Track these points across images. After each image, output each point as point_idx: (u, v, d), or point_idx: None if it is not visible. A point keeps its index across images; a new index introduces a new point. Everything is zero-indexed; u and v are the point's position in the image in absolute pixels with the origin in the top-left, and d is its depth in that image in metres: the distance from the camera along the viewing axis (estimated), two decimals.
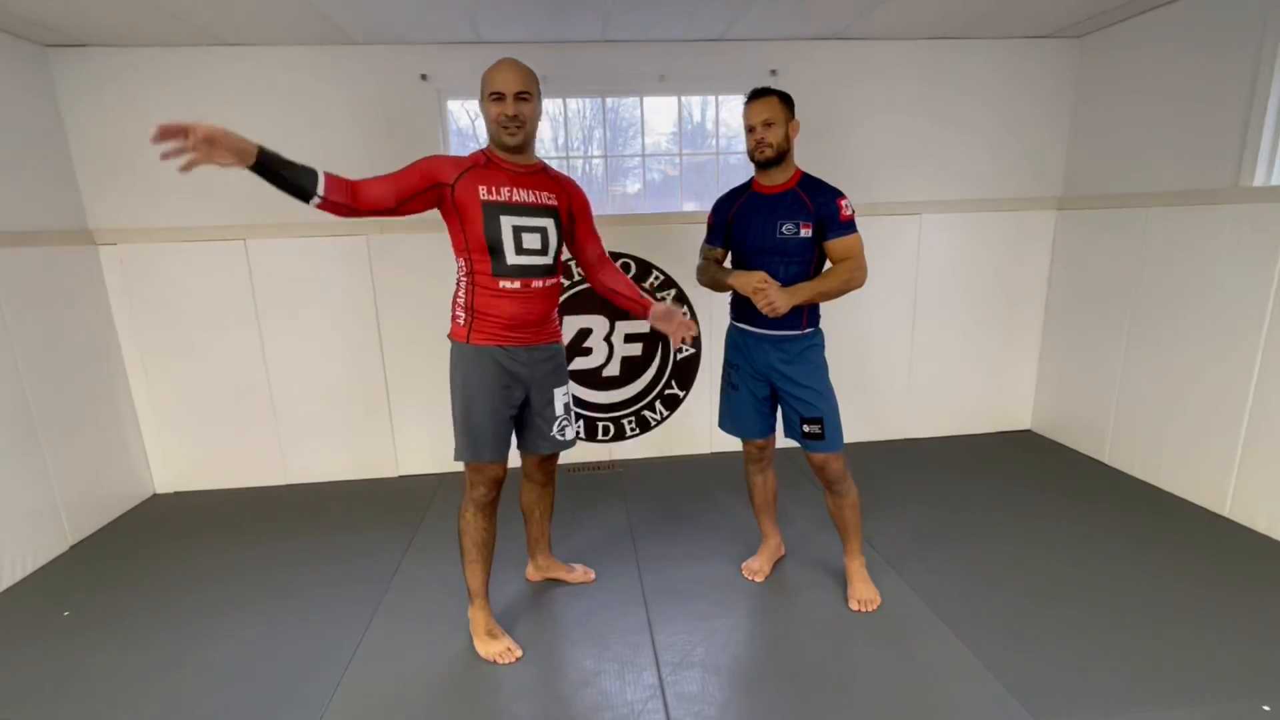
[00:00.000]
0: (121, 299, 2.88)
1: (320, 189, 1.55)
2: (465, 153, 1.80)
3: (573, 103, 3.18)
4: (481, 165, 1.73)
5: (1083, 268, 3.17)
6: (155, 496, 3.07)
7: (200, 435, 3.05)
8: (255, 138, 3.01)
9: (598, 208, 3.33)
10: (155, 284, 2.88)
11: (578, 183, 1.95)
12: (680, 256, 3.13)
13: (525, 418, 1.91)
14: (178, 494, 3.08)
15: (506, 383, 1.80)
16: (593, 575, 2.24)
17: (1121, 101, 2.94)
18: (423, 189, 1.68)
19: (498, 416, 1.80)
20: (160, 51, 2.70)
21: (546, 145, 3.22)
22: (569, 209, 1.87)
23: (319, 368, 3.06)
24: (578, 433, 2.35)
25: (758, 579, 2.21)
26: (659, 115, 3.25)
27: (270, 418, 3.07)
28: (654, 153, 3.30)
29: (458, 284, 1.80)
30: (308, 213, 2.88)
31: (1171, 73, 2.69)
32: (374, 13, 2.50)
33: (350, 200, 1.60)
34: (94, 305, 2.81)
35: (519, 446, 1.97)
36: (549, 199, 1.80)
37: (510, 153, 1.75)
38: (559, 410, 1.94)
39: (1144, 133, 2.84)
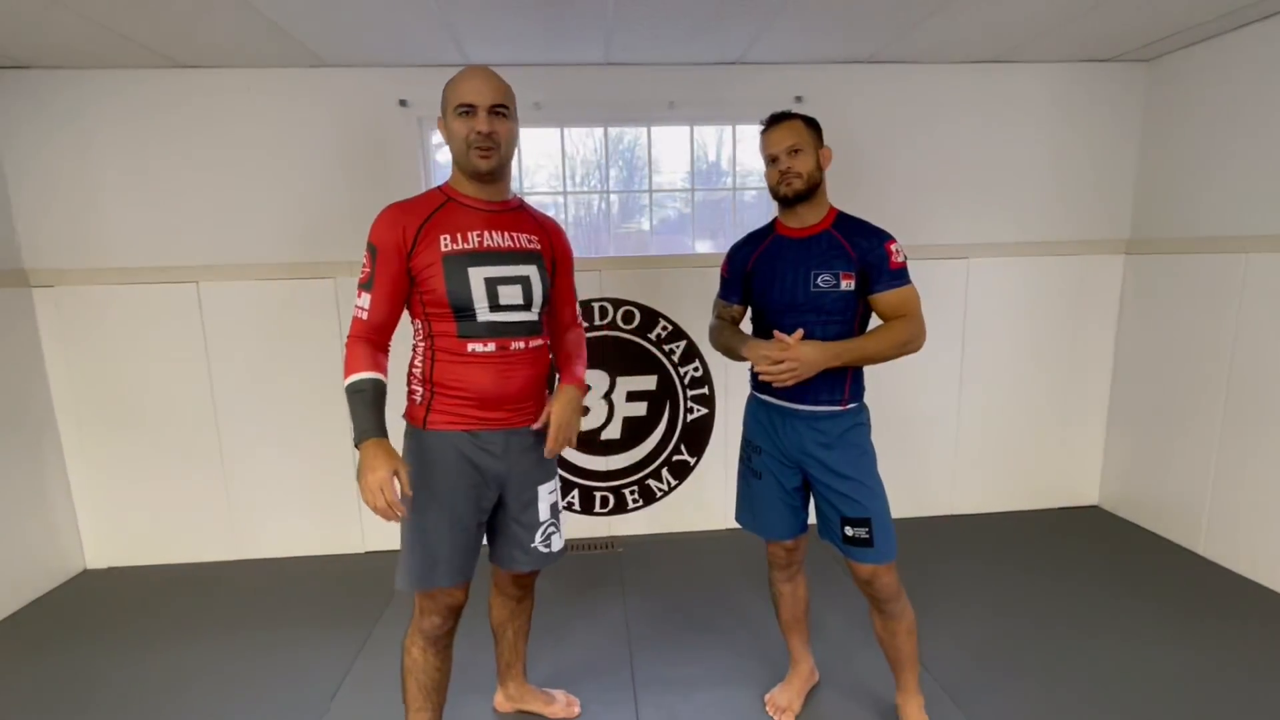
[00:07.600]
0: (56, 347, 2.54)
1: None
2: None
3: (575, 135, 2.85)
4: (438, 208, 1.35)
5: (1161, 318, 2.73)
6: (86, 573, 2.67)
7: (141, 502, 2.66)
8: (215, 169, 2.65)
9: (599, 249, 3.02)
10: (95, 331, 2.54)
11: (561, 226, 1.56)
12: (691, 303, 2.75)
13: (498, 522, 1.49)
14: (111, 569, 2.68)
15: (475, 481, 1.38)
16: (577, 709, 1.78)
17: (1201, 130, 2.54)
18: (406, 272, 1.33)
19: (460, 529, 1.38)
20: (108, 74, 2.41)
21: (542, 179, 2.89)
22: (552, 256, 1.48)
23: (277, 426, 2.67)
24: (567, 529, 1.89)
25: (785, 719, 1.74)
26: (670, 150, 2.90)
27: (220, 483, 2.68)
28: (663, 188, 2.94)
29: (414, 350, 1.42)
30: (268, 253, 2.60)
31: (1259, 97, 2.30)
32: (345, 32, 2.20)
33: (383, 353, 1.36)
34: (24, 353, 2.47)
35: (491, 558, 1.56)
36: (530, 242, 1.42)
37: (481, 184, 1.37)
38: (544, 514, 1.51)
39: (1232, 166, 2.43)
